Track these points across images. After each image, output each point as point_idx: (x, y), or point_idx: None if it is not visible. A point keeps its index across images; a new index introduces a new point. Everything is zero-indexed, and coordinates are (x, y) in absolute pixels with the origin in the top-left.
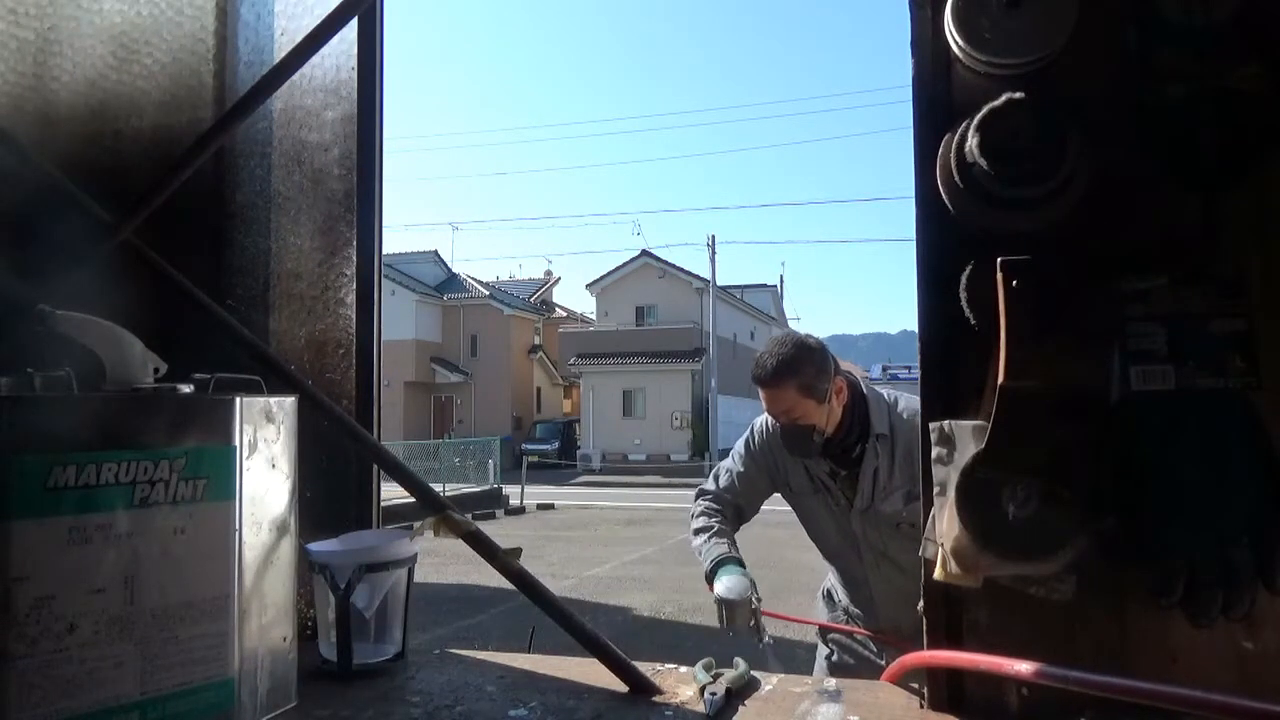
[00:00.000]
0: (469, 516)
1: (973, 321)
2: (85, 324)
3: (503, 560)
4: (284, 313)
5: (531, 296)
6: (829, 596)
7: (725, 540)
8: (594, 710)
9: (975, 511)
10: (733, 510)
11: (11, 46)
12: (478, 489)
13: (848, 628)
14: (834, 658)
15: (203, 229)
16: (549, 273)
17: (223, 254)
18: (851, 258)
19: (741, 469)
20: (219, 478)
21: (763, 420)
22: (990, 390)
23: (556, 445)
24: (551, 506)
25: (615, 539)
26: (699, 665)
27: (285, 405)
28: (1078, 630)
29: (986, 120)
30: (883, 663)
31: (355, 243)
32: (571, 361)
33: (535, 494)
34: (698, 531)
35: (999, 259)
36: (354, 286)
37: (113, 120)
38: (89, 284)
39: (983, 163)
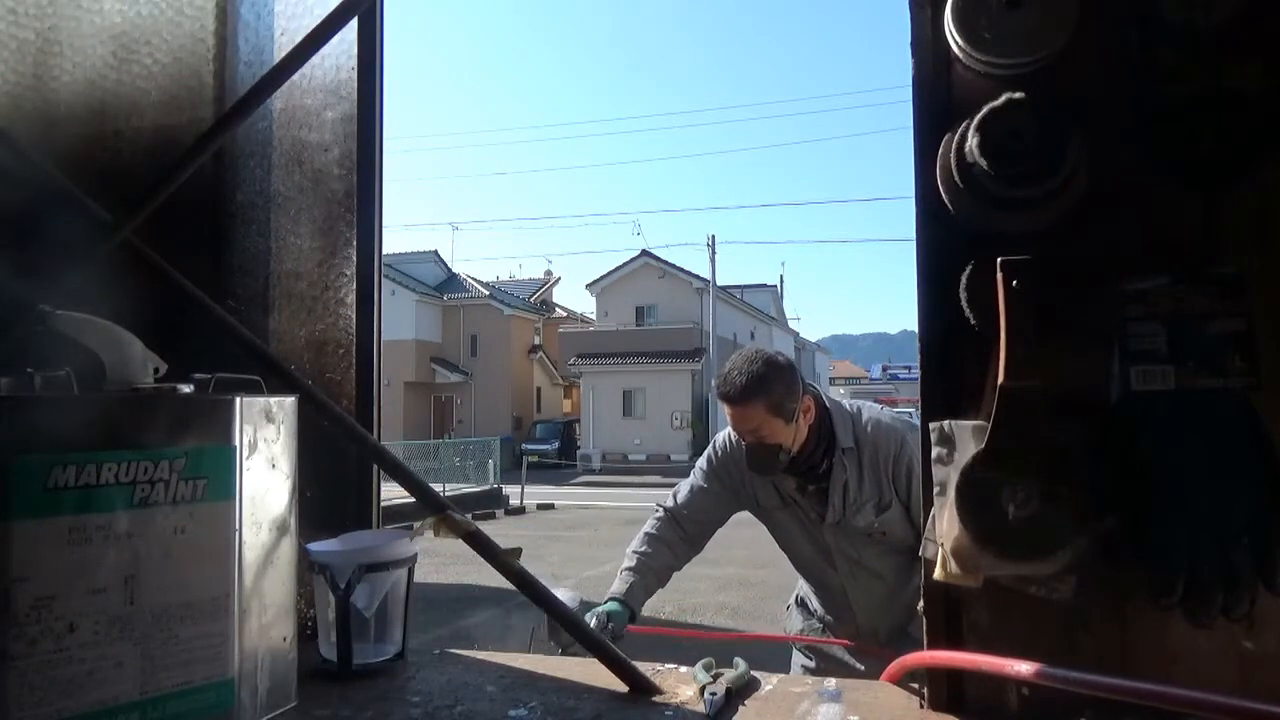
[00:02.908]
0: (469, 516)
1: (973, 321)
2: (85, 324)
3: (503, 560)
4: (284, 313)
5: (531, 296)
6: (803, 604)
7: (635, 576)
8: (594, 710)
9: (975, 511)
10: (682, 534)
11: (11, 46)
12: (478, 489)
13: (824, 640)
14: (811, 665)
15: (203, 229)
16: (549, 273)
17: (223, 254)
18: (851, 258)
19: (704, 485)
20: (219, 478)
21: (724, 435)
22: (990, 390)
23: (556, 445)
24: (551, 506)
25: (615, 539)
26: (699, 665)
27: (285, 405)
28: (1078, 630)
29: (986, 120)
30: (861, 669)
31: (355, 243)
32: (571, 361)
33: (535, 494)
34: (628, 555)
35: (999, 259)
36: (354, 286)
37: (113, 120)
38: (89, 284)
39: (983, 163)
